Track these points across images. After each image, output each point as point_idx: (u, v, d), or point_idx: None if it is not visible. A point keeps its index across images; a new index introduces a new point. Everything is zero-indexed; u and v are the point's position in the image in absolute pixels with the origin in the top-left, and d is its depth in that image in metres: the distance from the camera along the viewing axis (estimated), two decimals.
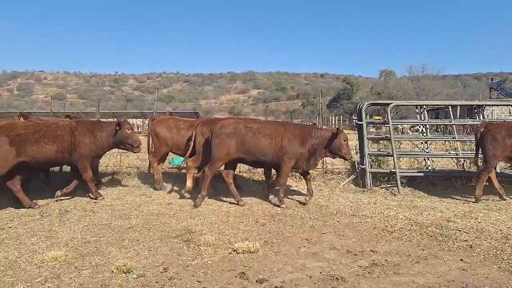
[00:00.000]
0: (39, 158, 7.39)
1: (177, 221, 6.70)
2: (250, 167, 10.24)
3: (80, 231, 6.12)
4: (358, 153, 10.50)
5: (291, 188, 9.30)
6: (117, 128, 7.88)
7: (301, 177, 8.75)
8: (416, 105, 11.48)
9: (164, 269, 4.73)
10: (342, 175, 10.56)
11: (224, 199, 8.27)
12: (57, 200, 7.92)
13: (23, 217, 6.84)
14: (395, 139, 10.38)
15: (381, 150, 10.90)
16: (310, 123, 11.39)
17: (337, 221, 6.80)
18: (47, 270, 4.66)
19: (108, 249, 5.38)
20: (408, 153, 10.95)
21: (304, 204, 7.87)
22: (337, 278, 4.49)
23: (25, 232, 6.07)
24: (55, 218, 6.82)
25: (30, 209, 7.31)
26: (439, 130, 13.45)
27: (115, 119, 8.74)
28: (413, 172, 10.13)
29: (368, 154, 10.04)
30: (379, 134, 13.73)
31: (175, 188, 9.22)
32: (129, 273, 4.55)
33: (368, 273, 4.66)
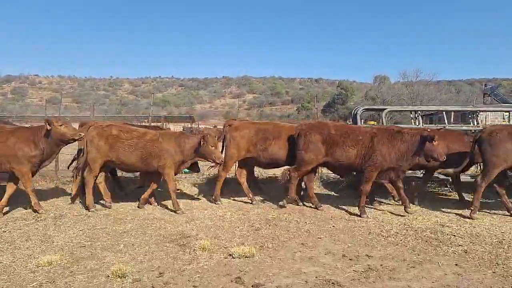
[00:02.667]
0: (124, 163, 7.71)
1: (173, 226, 6.69)
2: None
3: (76, 236, 6.09)
4: None
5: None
6: (202, 142, 7.59)
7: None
8: (411, 111, 11.56)
9: (160, 273, 4.72)
10: (337, 179, 10.58)
11: (220, 203, 8.27)
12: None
13: (18, 221, 6.79)
14: None
15: None
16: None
17: (333, 226, 6.81)
18: (42, 274, 4.63)
19: (103, 253, 5.36)
20: None
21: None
22: (332, 283, 4.51)
23: (19, 236, 6.03)
24: (50, 222, 6.78)
25: (25, 212, 7.25)
26: None
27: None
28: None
29: None
30: None
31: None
32: (125, 277, 4.53)
33: (364, 277, 4.68)
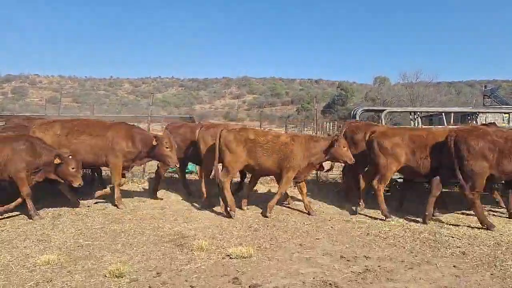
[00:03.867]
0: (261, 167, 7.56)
1: (171, 226, 6.69)
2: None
3: (73, 235, 6.09)
4: None
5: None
6: (334, 144, 7.43)
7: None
8: (410, 112, 11.56)
9: (157, 273, 4.72)
10: (335, 180, 10.58)
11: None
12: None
13: (16, 221, 6.80)
14: None
15: None
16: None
17: (331, 227, 6.81)
18: (39, 274, 4.64)
19: (101, 253, 5.36)
20: None
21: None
22: (330, 284, 4.51)
23: (17, 235, 6.03)
24: (48, 221, 6.78)
25: (23, 212, 7.24)
26: None
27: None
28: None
29: None
30: None
31: (169, 193, 9.20)
32: (122, 277, 4.54)
33: (361, 279, 4.68)
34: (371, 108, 15.71)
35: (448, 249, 5.69)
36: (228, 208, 7.29)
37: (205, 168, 8.27)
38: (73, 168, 7.01)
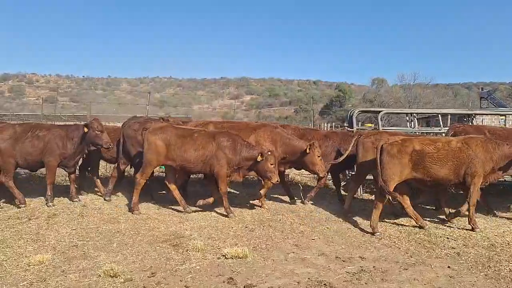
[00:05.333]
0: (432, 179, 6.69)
1: (166, 226, 6.67)
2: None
3: (68, 235, 6.07)
4: None
5: None
6: None
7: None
8: (407, 113, 11.59)
9: (152, 273, 4.71)
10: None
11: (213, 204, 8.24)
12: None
13: (11, 220, 6.76)
14: None
15: None
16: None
17: (327, 228, 6.81)
18: (33, 273, 4.62)
19: (95, 253, 5.35)
20: None
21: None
22: (325, 284, 4.51)
23: (12, 235, 6.01)
24: (43, 221, 6.75)
25: (18, 211, 7.22)
26: None
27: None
28: None
29: None
30: None
31: (164, 192, 9.17)
32: (116, 277, 4.53)
33: (356, 279, 4.69)
34: (367, 109, 15.75)
35: (443, 250, 5.71)
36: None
37: (357, 178, 7.99)
38: (271, 164, 6.95)
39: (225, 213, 7.30)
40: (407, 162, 6.55)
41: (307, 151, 7.37)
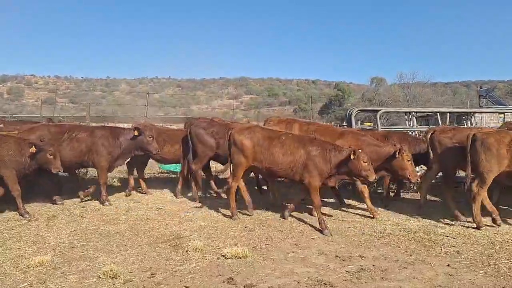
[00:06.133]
0: None
1: (166, 226, 6.67)
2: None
3: (68, 236, 6.07)
4: None
5: None
6: None
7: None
8: (405, 112, 11.59)
9: (152, 274, 4.72)
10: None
11: (213, 204, 8.24)
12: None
13: (10, 222, 6.76)
14: None
15: None
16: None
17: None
18: (33, 275, 4.62)
19: (95, 254, 5.35)
20: None
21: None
22: (324, 283, 4.51)
23: (11, 236, 6.01)
24: (43, 222, 6.75)
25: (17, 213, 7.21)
26: None
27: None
28: None
29: None
30: None
31: (165, 193, 9.19)
32: (116, 278, 4.53)
33: (356, 278, 4.69)
34: (366, 108, 15.78)
35: (442, 248, 5.71)
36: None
37: (448, 177, 7.71)
38: (365, 162, 6.49)
39: (229, 213, 7.27)
40: (505, 153, 6.33)
41: (396, 155, 6.96)
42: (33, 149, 6.93)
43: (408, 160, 6.94)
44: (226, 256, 5.24)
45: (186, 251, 5.47)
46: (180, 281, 4.54)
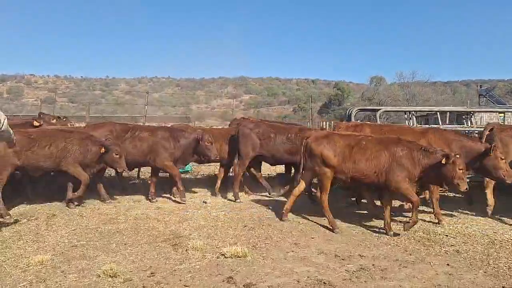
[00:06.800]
0: None
1: (166, 225, 6.67)
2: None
3: (67, 235, 6.06)
4: None
5: None
6: None
7: None
8: (405, 111, 11.59)
9: (151, 273, 4.71)
10: None
11: (212, 203, 8.25)
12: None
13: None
14: None
15: None
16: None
17: (326, 226, 6.80)
18: (33, 274, 4.61)
19: (95, 253, 5.34)
20: None
21: None
22: (324, 283, 4.51)
23: (11, 235, 6.00)
24: (42, 222, 6.74)
25: (17, 212, 7.21)
26: None
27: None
28: None
29: None
30: None
31: (164, 192, 9.18)
32: (116, 277, 4.52)
33: (356, 277, 4.69)
34: (366, 107, 15.78)
35: (442, 248, 5.71)
36: None
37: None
38: (460, 169, 5.93)
39: (230, 214, 7.27)
40: None
41: (489, 153, 6.45)
42: (102, 150, 7.23)
43: (502, 159, 6.46)
44: (225, 255, 5.24)
45: (186, 250, 5.46)
46: (180, 280, 4.54)
